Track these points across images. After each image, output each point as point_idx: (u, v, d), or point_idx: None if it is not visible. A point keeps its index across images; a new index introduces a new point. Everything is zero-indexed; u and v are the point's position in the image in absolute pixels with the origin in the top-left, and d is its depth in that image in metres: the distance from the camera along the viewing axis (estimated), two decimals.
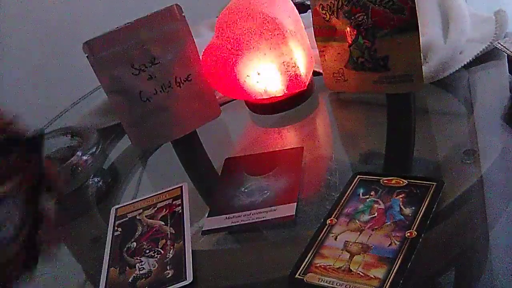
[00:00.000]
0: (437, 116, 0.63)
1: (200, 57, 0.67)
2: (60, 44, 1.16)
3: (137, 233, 0.54)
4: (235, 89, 0.66)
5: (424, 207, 0.45)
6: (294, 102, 0.67)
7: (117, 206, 0.60)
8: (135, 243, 0.53)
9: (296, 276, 0.43)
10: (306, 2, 0.86)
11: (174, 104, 0.66)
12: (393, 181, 0.49)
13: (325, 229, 0.46)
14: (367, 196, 0.49)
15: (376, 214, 0.46)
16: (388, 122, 0.62)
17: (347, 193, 0.50)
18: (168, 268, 0.48)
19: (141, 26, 0.63)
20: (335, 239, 0.45)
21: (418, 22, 0.55)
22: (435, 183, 0.47)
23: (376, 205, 0.47)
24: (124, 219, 0.57)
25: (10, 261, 0.35)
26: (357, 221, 0.46)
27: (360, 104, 0.69)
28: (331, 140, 0.67)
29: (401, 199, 0.47)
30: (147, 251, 0.51)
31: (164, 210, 0.57)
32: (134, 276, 0.49)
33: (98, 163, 0.69)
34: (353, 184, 0.51)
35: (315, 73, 0.69)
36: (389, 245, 0.43)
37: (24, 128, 0.38)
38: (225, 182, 0.58)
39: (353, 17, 0.59)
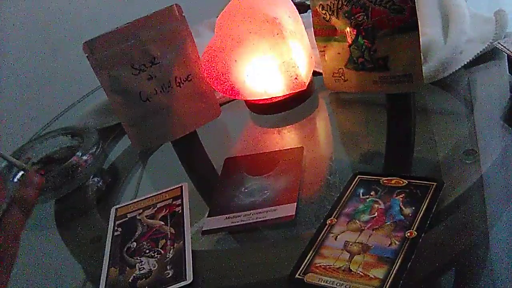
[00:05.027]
0: (437, 116, 0.63)
1: (200, 57, 0.67)
2: (60, 44, 1.16)
3: (137, 233, 0.54)
4: (235, 89, 0.66)
5: (424, 207, 0.45)
6: (294, 102, 0.67)
7: (117, 206, 0.60)
8: (135, 243, 0.53)
9: (296, 276, 0.43)
10: (306, 2, 0.86)
11: (174, 104, 0.66)
12: (393, 181, 0.49)
13: (325, 229, 0.46)
14: (367, 196, 0.49)
15: (376, 214, 0.46)
16: (388, 122, 0.62)
17: (347, 193, 0.50)
18: (168, 268, 0.48)
19: (141, 26, 0.63)
20: (335, 239, 0.45)
21: (418, 22, 0.55)
22: (435, 183, 0.47)
23: (376, 205, 0.47)
24: (124, 219, 0.57)
25: None
26: (357, 221, 0.46)
27: (360, 104, 0.68)
28: (331, 140, 0.67)
29: (401, 199, 0.47)
30: (147, 251, 0.51)
31: (164, 210, 0.57)
32: (134, 276, 0.49)
33: (98, 163, 0.69)
34: (353, 184, 0.51)
35: (315, 73, 0.69)
36: (389, 245, 0.43)
37: None
38: (225, 182, 0.58)
39: (353, 17, 0.59)
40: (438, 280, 0.43)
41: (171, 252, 0.50)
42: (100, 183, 0.69)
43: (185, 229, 0.53)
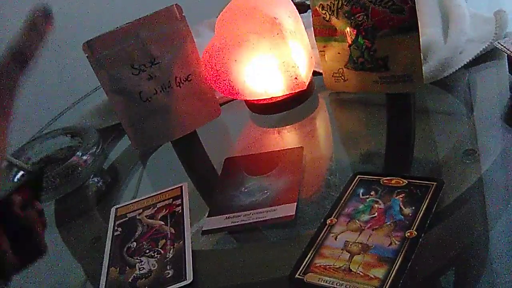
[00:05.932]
0: (437, 116, 0.63)
1: (200, 57, 0.67)
2: (60, 44, 1.16)
3: (137, 233, 0.54)
4: (235, 89, 0.66)
5: (424, 207, 0.45)
6: (294, 102, 0.67)
7: (117, 206, 0.60)
8: (135, 243, 0.53)
9: (296, 276, 0.43)
10: (306, 2, 0.86)
11: (174, 104, 0.66)
12: (393, 181, 0.49)
13: (325, 229, 0.46)
14: (367, 196, 0.49)
15: (376, 214, 0.46)
16: (388, 122, 0.62)
17: (347, 193, 0.50)
18: (168, 268, 0.48)
19: (141, 26, 0.63)
20: (335, 239, 0.45)
21: (418, 22, 0.55)
22: (435, 183, 0.47)
23: (376, 205, 0.47)
24: (124, 219, 0.57)
25: None
26: (357, 221, 0.46)
27: (360, 104, 0.69)
28: (331, 140, 0.67)
29: (401, 199, 0.47)
30: (147, 251, 0.51)
31: (164, 210, 0.57)
32: (134, 276, 0.49)
33: (98, 163, 0.69)
34: (353, 184, 0.51)
35: (315, 73, 0.69)
36: (389, 245, 0.43)
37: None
38: (225, 182, 0.58)
39: (353, 17, 0.59)
40: (438, 280, 0.43)
41: (171, 252, 0.50)
42: (100, 183, 0.69)
43: (185, 229, 0.53)
